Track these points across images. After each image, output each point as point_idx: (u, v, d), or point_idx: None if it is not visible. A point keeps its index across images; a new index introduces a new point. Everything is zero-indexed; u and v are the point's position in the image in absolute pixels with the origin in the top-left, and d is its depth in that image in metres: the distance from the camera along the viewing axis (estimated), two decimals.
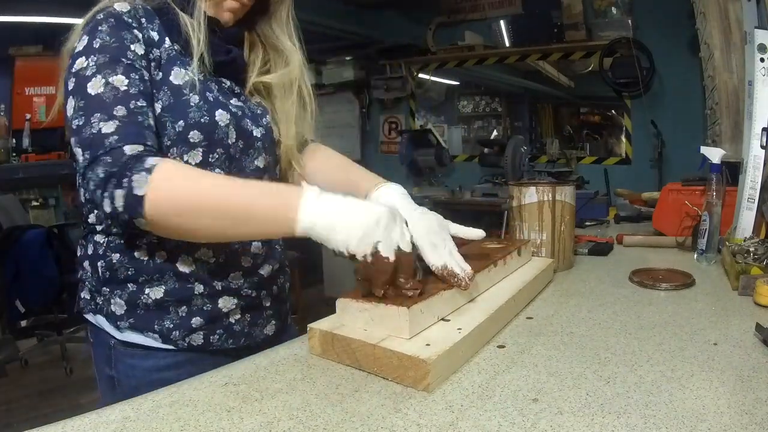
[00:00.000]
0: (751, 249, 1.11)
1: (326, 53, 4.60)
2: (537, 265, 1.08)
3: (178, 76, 0.79)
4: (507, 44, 4.24)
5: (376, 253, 0.68)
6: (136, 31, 0.77)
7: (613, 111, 3.93)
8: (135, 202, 0.67)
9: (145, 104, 0.75)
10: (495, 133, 4.57)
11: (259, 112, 0.91)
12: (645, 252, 1.42)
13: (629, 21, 3.54)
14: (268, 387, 0.65)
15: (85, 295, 0.86)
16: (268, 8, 0.93)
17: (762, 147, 1.25)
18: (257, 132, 0.89)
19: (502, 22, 4.21)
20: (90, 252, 0.84)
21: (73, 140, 0.72)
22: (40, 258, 3.07)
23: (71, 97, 0.73)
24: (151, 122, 0.75)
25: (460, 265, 0.78)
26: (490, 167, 4.04)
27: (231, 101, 0.86)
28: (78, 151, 0.71)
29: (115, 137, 0.69)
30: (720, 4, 1.77)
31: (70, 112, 0.73)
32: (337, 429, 0.55)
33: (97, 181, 0.68)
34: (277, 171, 0.98)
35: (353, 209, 0.70)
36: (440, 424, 0.56)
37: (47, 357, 3.21)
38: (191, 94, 0.80)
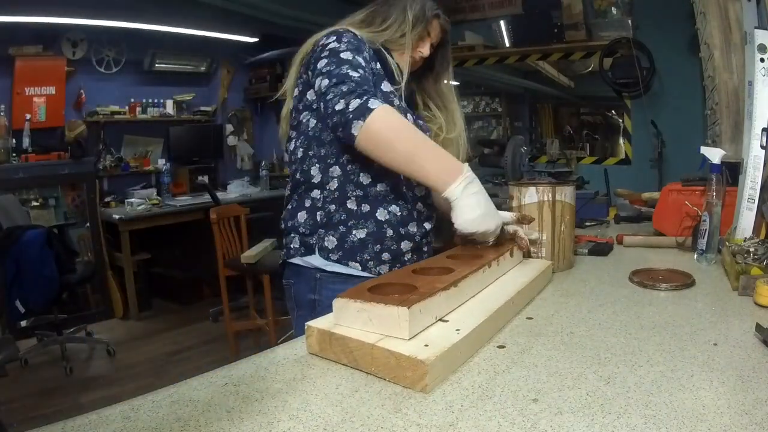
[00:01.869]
0: (751, 249, 1.11)
1: None
2: (536, 266, 1.08)
3: (385, 86, 1.12)
4: (507, 44, 4.24)
5: (490, 233, 1.02)
6: (366, 45, 1.10)
7: (613, 111, 3.93)
8: (366, 110, 0.94)
9: (372, 79, 1.06)
10: (495, 133, 4.57)
11: (425, 127, 1.24)
12: (645, 252, 1.42)
13: (629, 21, 3.54)
14: (268, 387, 0.65)
15: (293, 244, 1.14)
16: (433, 69, 1.31)
17: (762, 147, 1.25)
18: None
19: (502, 22, 4.21)
20: (307, 205, 1.13)
21: (320, 79, 1.02)
22: (40, 258, 3.06)
23: (324, 59, 1.04)
24: (377, 89, 1.07)
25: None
26: (490, 167, 4.04)
27: (407, 115, 1.15)
28: (325, 82, 1.01)
29: (359, 78, 1.00)
30: (720, 4, 1.77)
31: (321, 66, 1.03)
32: (337, 429, 0.55)
33: (338, 93, 0.97)
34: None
35: (485, 205, 1.02)
36: (440, 424, 0.56)
37: (47, 357, 3.21)
38: (394, 99, 1.11)
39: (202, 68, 4.77)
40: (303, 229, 1.13)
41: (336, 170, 1.10)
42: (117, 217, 3.79)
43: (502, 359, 0.72)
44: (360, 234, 1.10)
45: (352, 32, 1.11)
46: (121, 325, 3.85)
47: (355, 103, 0.95)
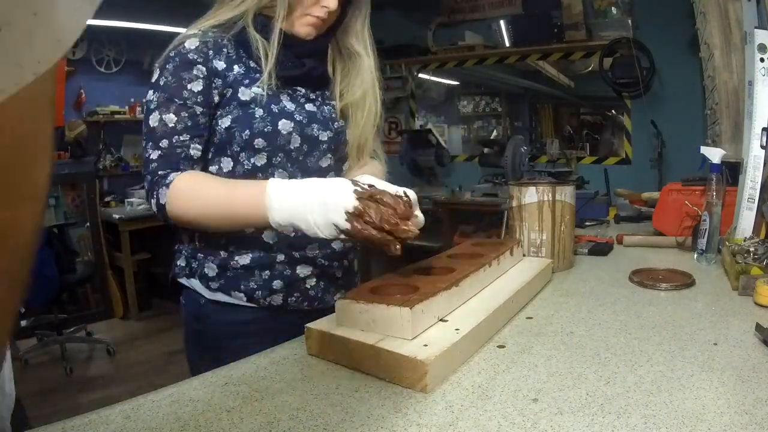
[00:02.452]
0: (751, 249, 1.11)
1: None
2: (535, 265, 1.08)
3: (244, 93, 0.94)
4: (507, 44, 4.24)
5: (346, 228, 0.74)
6: (198, 67, 0.92)
7: (613, 111, 3.93)
8: (161, 208, 0.88)
9: (188, 137, 0.92)
10: (495, 133, 4.57)
11: (332, 116, 1.05)
12: (645, 252, 1.42)
13: (629, 21, 3.54)
14: (268, 387, 0.65)
15: (180, 262, 1.03)
16: (343, 20, 1.04)
17: (762, 147, 1.25)
18: (324, 136, 1.02)
19: (502, 22, 4.21)
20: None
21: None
22: (40, 258, 3.06)
23: (143, 122, 0.94)
24: (191, 152, 0.93)
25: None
26: (490, 167, 4.04)
27: (305, 107, 1.00)
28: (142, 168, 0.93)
29: (156, 163, 0.91)
30: (720, 4, 1.77)
31: (142, 132, 0.94)
32: (337, 429, 0.55)
33: (146, 189, 0.92)
34: (344, 168, 1.09)
35: (301, 209, 0.78)
36: (440, 424, 0.56)
37: (47, 357, 3.21)
38: (256, 108, 0.94)
39: None
40: (185, 251, 1.02)
41: None
42: (117, 217, 3.79)
43: (502, 359, 0.72)
44: (243, 260, 0.96)
45: (182, 53, 0.92)
46: (121, 325, 3.85)
47: (153, 205, 0.90)
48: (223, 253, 0.97)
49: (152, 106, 0.92)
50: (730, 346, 0.74)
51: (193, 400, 0.62)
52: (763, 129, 1.25)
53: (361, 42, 1.06)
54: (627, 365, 0.69)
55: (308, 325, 0.75)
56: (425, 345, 0.67)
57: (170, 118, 0.91)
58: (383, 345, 0.67)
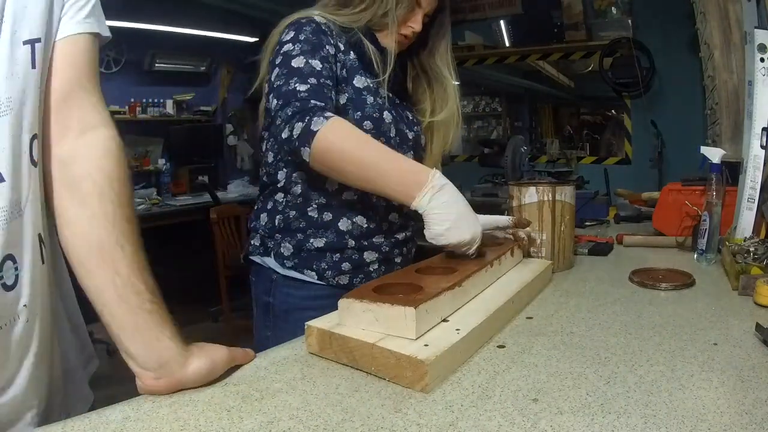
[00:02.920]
0: (751, 249, 1.11)
1: None
2: (535, 267, 1.08)
3: (359, 81, 1.04)
4: (507, 44, 4.24)
5: (470, 243, 0.89)
6: (329, 39, 1.00)
7: (613, 111, 3.93)
8: (309, 134, 0.87)
9: (331, 84, 0.97)
10: (495, 133, 4.57)
11: (414, 120, 1.17)
12: (645, 252, 1.42)
13: (629, 21, 3.54)
14: (268, 387, 0.65)
15: (255, 242, 1.10)
16: (427, 43, 1.17)
17: (762, 147, 1.25)
18: (410, 134, 1.14)
19: (502, 22, 4.21)
20: (269, 207, 1.09)
21: (271, 96, 0.96)
22: None
23: (277, 68, 0.96)
24: (333, 96, 0.97)
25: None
26: (490, 167, 4.04)
27: (393, 108, 1.10)
28: (274, 102, 0.94)
29: (306, 93, 0.92)
30: (720, 4, 1.77)
31: (273, 77, 0.96)
32: (337, 429, 0.55)
33: (284, 117, 0.91)
34: None
35: (461, 218, 0.88)
36: (440, 424, 0.56)
37: None
38: (368, 96, 1.04)
39: (202, 68, 4.77)
40: (262, 231, 1.09)
41: (302, 175, 1.05)
42: None
43: (502, 359, 0.72)
44: (318, 243, 1.05)
45: (315, 22, 1.00)
46: None
47: (298, 129, 0.89)
48: (300, 236, 1.05)
49: (294, 53, 0.96)
50: (730, 346, 0.74)
51: (193, 400, 0.62)
52: (763, 129, 1.25)
53: (445, 63, 1.19)
54: (627, 365, 0.69)
55: (308, 323, 0.75)
56: (425, 345, 0.66)
57: (317, 63, 0.96)
58: (383, 344, 0.67)
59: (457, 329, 0.72)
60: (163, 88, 4.50)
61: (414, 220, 1.16)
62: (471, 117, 4.67)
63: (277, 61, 0.97)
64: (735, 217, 1.29)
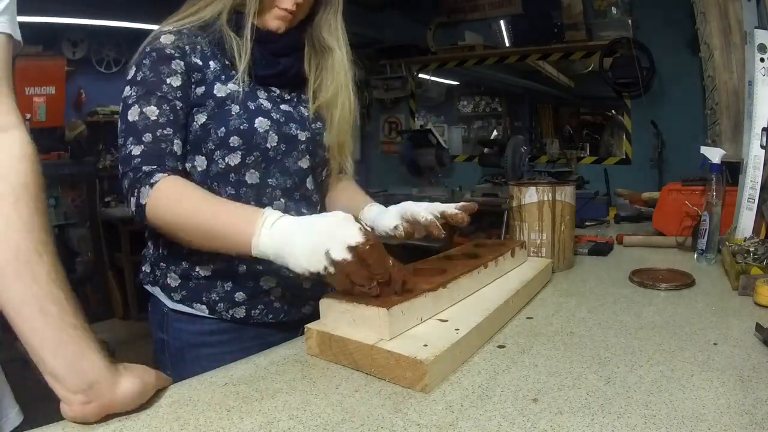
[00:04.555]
0: (751, 249, 1.11)
1: None
2: (535, 265, 1.08)
3: (220, 90, 0.91)
4: (507, 44, 4.23)
5: (333, 262, 0.67)
6: (176, 62, 0.89)
7: (613, 111, 3.93)
8: (140, 208, 0.81)
9: (171, 132, 0.88)
10: (495, 133, 4.57)
11: (310, 116, 1.01)
12: (645, 252, 1.42)
13: (629, 21, 3.53)
14: (268, 387, 0.65)
15: (146, 268, 1.00)
16: (316, 13, 1.01)
17: (762, 147, 1.25)
18: (302, 136, 0.99)
19: (502, 22, 4.21)
20: (154, 233, 0.96)
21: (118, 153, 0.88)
22: None
23: (119, 119, 0.88)
24: (174, 147, 0.88)
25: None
26: (490, 167, 4.04)
27: (280, 107, 0.97)
28: (117, 165, 0.87)
29: (139, 159, 0.84)
30: (720, 4, 1.77)
31: (119, 130, 0.88)
32: (337, 429, 0.55)
33: (124, 190, 0.84)
34: (325, 172, 1.08)
35: (296, 234, 0.71)
36: (440, 424, 0.56)
37: None
38: (232, 105, 0.91)
39: None
40: (150, 258, 0.99)
41: None
42: (117, 217, 3.79)
43: (502, 359, 0.72)
44: (205, 271, 0.93)
45: (158, 48, 0.90)
46: (121, 325, 3.85)
47: (132, 204, 0.82)
48: (185, 263, 0.94)
49: (130, 101, 0.87)
50: (730, 346, 0.74)
51: (193, 400, 0.62)
52: (763, 129, 1.25)
53: (333, 35, 1.03)
54: (627, 365, 0.69)
55: (308, 325, 0.75)
56: (425, 345, 0.67)
57: (152, 111, 0.86)
58: (383, 345, 0.67)
59: (457, 329, 0.72)
60: None
61: None
62: (471, 117, 4.67)
63: (120, 109, 0.89)
64: (735, 217, 1.29)
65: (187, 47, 0.91)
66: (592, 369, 0.68)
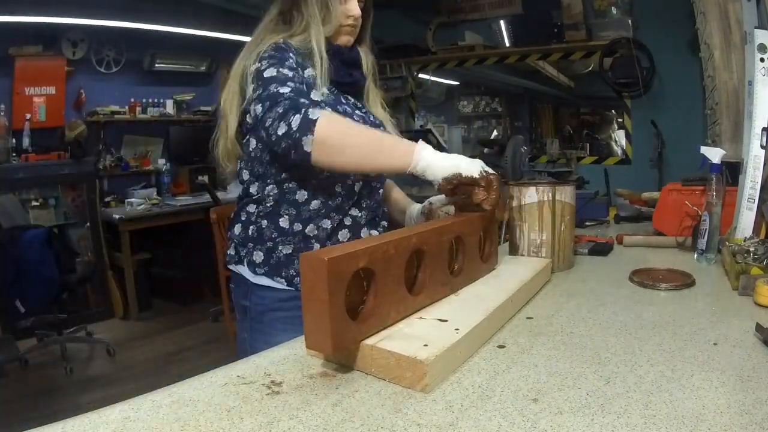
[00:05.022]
0: (751, 249, 1.11)
1: None
2: (534, 265, 1.08)
3: (315, 95, 1.07)
4: (507, 44, 4.24)
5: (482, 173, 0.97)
6: (291, 54, 1.06)
7: (613, 111, 3.93)
8: (310, 122, 0.93)
9: (304, 87, 1.03)
10: (495, 133, 4.57)
11: (377, 122, 1.21)
12: (645, 252, 1.42)
13: (629, 21, 3.54)
14: (268, 387, 0.65)
15: (231, 251, 1.16)
16: (368, 19, 1.22)
17: (762, 147, 1.25)
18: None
19: (502, 22, 4.21)
20: (243, 218, 1.15)
21: (253, 105, 1.01)
22: (40, 258, 3.06)
23: (252, 83, 1.03)
24: (310, 98, 1.02)
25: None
26: (490, 167, 4.04)
27: (355, 112, 1.16)
28: (259, 108, 0.99)
29: (291, 93, 0.98)
30: (720, 4, 1.77)
31: (252, 92, 1.02)
32: (337, 429, 0.55)
33: (276, 115, 0.96)
34: None
35: (443, 154, 0.99)
36: (440, 424, 0.56)
37: (47, 357, 3.20)
38: (326, 107, 1.05)
39: (202, 68, 4.76)
40: (236, 240, 1.15)
41: (273, 189, 1.11)
42: (117, 217, 3.79)
43: (502, 359, 0.72)
44: (286, 250, 1.10)
45: (272, 44, 1.07)
46: (121, 325, 3.85)
47: (296, 120, 0.93)
48: (270, 244, 1.10)
49: (264, 67, 1.01)
50: (730, 346, 0.74)
51: (193, 400, 0.62)
52: (763, 129, 1.25)
53: (366, 45, 1.24)
54: (627, 365, 0.69)
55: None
56: (425, 345, 0.67)
57: (286, 72, 1.01)
58: (383, 345, 0.67)
59: (457, 329, 0.72)
60: (163, 88, 4.49)
61: (382, 218, 1.23)
62: (471, 117, 4.67)
63: (250, 79, 1.04)
64: (735, 217, 1.29)
65: (293, 50, 1.08)
66: (592, 369, 0.68)
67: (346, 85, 1.16)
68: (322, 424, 0.56)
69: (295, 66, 1.05)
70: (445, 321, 0.76)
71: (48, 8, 3.47)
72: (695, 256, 1.26)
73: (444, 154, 0.99)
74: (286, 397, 0.62)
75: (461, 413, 0.58)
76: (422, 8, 4.40)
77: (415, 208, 1.29)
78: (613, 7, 3.63)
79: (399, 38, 4.47)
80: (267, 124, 0.97)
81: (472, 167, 0.97)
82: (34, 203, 3.76)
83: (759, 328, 0.76)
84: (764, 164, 1.25)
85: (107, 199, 4.11)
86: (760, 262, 1.06)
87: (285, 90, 0.98)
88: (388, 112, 1.28)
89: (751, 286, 0.94)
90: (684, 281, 1.06)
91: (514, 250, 1.21)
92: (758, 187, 1.25)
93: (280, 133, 0.95)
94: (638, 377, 0.66)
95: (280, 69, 1.01)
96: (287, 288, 1.11)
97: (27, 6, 3.38)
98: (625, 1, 3.57)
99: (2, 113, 3.58)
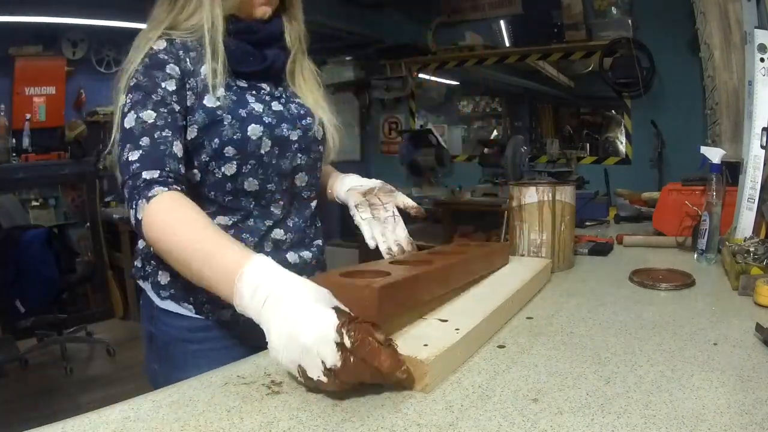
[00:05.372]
0: (751, 249, 1.11)
1: (326, 53, 4.60)
2: (534, 265, 1.08)
3: (209, 100, 0.89)
4: (507, 44, 4.24)
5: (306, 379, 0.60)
6: (171, 66, 0.88)
7: (613, 111, 3.93)
8: (137, 222, 0.79)
9: (170, 134, 0.85)
10: (495, 133, 4.57)
11: (301, 112, 1.00)
12: (645, 252, 1.42)
13: (629, 21, 3.54)
14: (268, 387, 0.65)
15: (137, 263, 0.99)
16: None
17: (762, 147, 1.25)
18: (294, 135, 0.97)
19: (502, 22, 4.21)
20: None
21: (114, 151, 0.86)
22: (40, 258, 3.06)
23: (115, 128, 0.86)
24: (174, 149, 0.85)
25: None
26: (490, 167, 4.04)
27: (271, 107, 0.95)
28: (117, 174, 0.85)
29: (138, 164, 0.81)
30: (720, 4, 1.77)
31: (115, 140, 0.86)
32: (337, 429, 0.55)
33: (125, 199, 0.82)
34: (319, 165, 1.06)
35: (272, 322, 0.61)
36: (440, 424, 0.56)
37: (47, 357, 3.21)
38: (224, 114, 0.89)
39: None
40: (141, 253, 0.99)
41: None
42: (117, 217, 3.79)
43: (502, 359, 0.72)
44: None
45: (149, 55, 0.88)
46: (121, 325, 3.85)
47: (132, 216, 0.80)
48: None
49: (126, 109, 0.85)
50: (730, 346, 0.74)
51: (193, 400, 0.62)
52: (763, 129, 1.25)
53: (297, 6, 1.03)
54: (627, 365, 0.69)
55: None
56: (425, 345, 0.67)
57: (149, 115, 0.84)
58: None
59: (457, 329, 0.72)
60: None
61: (315, 237, 1.05)
62: (471, 117, 4.67)
63: (116, 119, 0.87)
64: (735, 217, 1.29)
65: (180, 52, 0.90)
66: (592, 369, 0.68)
67: (258, 73, 0.96)
68: (322, 424, 0.56)
69: (171, 90, 0.87)
70: (446, 321, 0.76)
71: (48, 8, 3.47)
72: (695, 256, 1.26)
73: (269, 326, 0.62)
74: (286, 397, 0.62)
75: (461, 413, 0.58)
76: (422, 8, 4.40)
77: (343, 186, 1.10)
78: (613, 7, 3.63)
79: (399, 38, 4.48)
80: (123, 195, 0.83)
81: (313, 365, 0.58)
82: (34, 203, 3.77)
83: (759, 328, 0.76)
84: (764, 164, 1.25)
85: (107, 199, 4.11)
86: (760, 262, 1.06)
87: (134, 157, 0.81)
88: (323, 91, 1.06)
89: (751, 286, 0.94)
90: (684, 281, 1.06)
91: (513, 250, 1.21)
92: (758, 187, 1.25)
93: (131, 220, 0.81)
94: (638, 377, 0.66)
95: (141, 113, 0.83)
96: (196, 316, 0.94)
97: (27, 6, 3.38)
98: (625, 1, 3.57)
99: (2, 113, 3.58)
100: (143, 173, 0.80)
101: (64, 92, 3.88)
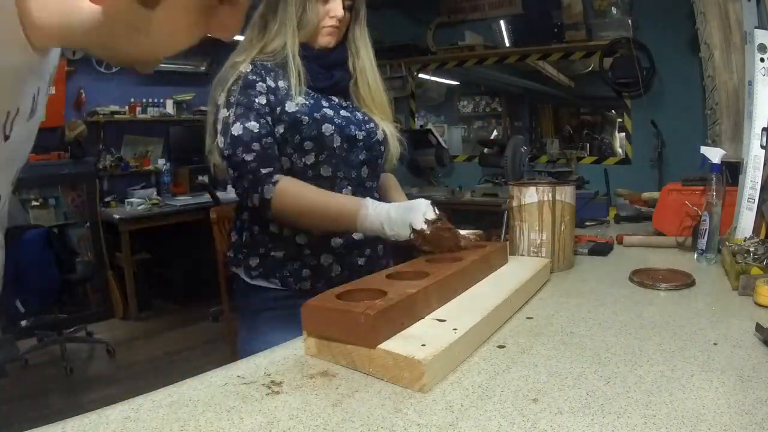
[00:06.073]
0: (751, 249, 1.11)
1: None
2: (532, 264, 1.08)
3: (290, 106, 1.13)
4: (507, 44, 4.24)
5: (414, 231, 0.98)
6: (260, 84, 1.11)
7: (613, 111, 3.93)
8: (265, 203, 1.08)
9: (272, 140, 1.11)
10: (495, 133, 4.57)
11: (364, 119, 1.24)
12: (645, 252, 1.42)
13: (629, 21, 3.54)
14: (268, 387, 0.65)
15: (230, 254, 1.25)
16: (352, 27, 1.22)
17: (762, 147, 1.25)
18: (360, 134, 1.21)
19: (502, 22, 4.21)
20: (238, 225, 1.24)
21: (225, 162, 1.11)
22: (40, 258, 3.06)
23: (221, 135, 1.11)
24: (276, 152, 1.12)
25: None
26: (490, 167, 4.04)
27: (340, 113, 1.19)
28: (229, 170, 1.11)
29: (254, 163, 1.08)
30: (720, 4, 1.77)
31: (221, 145, 1.10)
32: (337, 429, 0.55)
33: (242, 190, 1.11)
34: (380, 162, 1.29)
35: (391, 211, 1.03)
36: (440, 424, 0.56)
37: (47, 357, 3.21)
38: (302, 116, 1.13)
39: (202, 68, 4.77)
40: (234, 245, 1.24)
41: None
42: (117, 217, 3.79)
43: (502, 359, 0.72)
44: (278, 254, 1.18)
45: (240, 77, 1.10)
46: (121, 325, 3.85)
47: (256, 199, 1.07)
48: (262, 249, 1.19)
49: (230, 120, 1.08)
50: (730, 346, 0.74)
51: (193, 400, 0.62)
52: (763, 129, 1.25)
53: (363, 42, 1.24)
54: (627, 365, 0.69)
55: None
56: (423, 345, 0.66)
57: (253, 125, 1.08)
58: (381, 345, 0.67)
59: (455, 329, 0.72)
60: (163, 88, 4.50)
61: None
62: (471, 117, 4.67)
63: (219, 128, 1.10)
64: (735, 217, 1.29)
65: (263, 71, 1.12)
66: (592, 369, 0.68)
67: (328, 88, 1.20)
68: (322, 424, 0.56)
69: (264, 104, 1.10)
70: (443, 321, 0.76)
71: None
72: (695, 256, 1.26)
73: (386, 215, 1.02)
74: (286, 397, 0.62)
75: (461, 413, 0.58)
76: (422, 8, 4.40)
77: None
78: (613, 7, 3.63)
79: (399, 38, 4.47)
80: (238, 192, 1.12)
81: (418, 219, 0.98)
82: (34, 203, 3.77)
83: (759, 328, 0.76)
84: (764, 164, 1.25)
85: (107, 199, 4.11)
86: (760, 262, 1.06)
87: (249, 158, 1.07)
88: (390, 104, 1.30)
89: (751, 286, 0.94)
90: (684, 281, 1.06)
91: (513, 250, 1.21)
92: (758, 187, 1.25)
93: (249, 205, 1.10)
94: (638, 377, 0.66)
95: (246, 124, 1.08)
96: (281, 288, 1.19)
97: None
98: (625, 1, 3.57)
99: None
100: (261, 169, 1.07)
101: (64, 92, 3.88)
